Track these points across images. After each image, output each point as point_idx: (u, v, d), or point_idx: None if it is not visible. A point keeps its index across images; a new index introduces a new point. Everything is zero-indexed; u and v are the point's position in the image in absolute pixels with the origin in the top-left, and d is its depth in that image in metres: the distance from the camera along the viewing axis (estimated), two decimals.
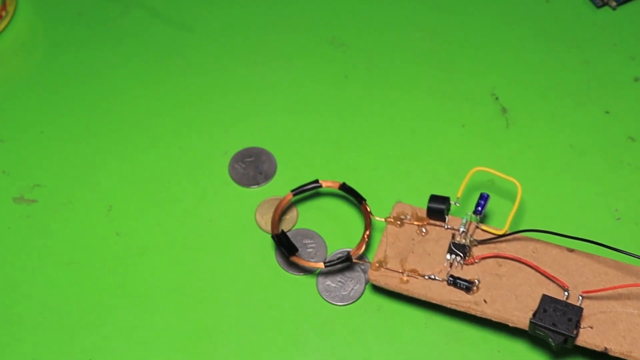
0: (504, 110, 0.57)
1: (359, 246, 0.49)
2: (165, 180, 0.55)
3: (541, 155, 0.55)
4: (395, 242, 0.49)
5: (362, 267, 0.51)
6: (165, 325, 0.49)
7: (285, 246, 0.49)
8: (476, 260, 0.48)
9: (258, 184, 0.54)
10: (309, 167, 0.55)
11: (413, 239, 0.49)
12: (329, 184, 0.52)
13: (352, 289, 0.50)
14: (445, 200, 0.49)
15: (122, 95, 0.58)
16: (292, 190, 0.51)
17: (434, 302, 0.47)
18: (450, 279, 0.47)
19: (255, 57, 0.60)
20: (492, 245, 0.48)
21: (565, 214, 0.52)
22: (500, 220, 0.51)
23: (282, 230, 0.50)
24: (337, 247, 0.52)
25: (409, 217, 0.49)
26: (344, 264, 0.49)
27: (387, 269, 0.48)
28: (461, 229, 0.48)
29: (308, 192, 0.52)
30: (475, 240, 0.48)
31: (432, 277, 0.47)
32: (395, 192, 0.54)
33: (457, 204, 0.49)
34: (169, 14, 0.61)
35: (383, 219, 0.50)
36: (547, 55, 0.59)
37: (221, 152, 0.55)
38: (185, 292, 0.50)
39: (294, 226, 0.52)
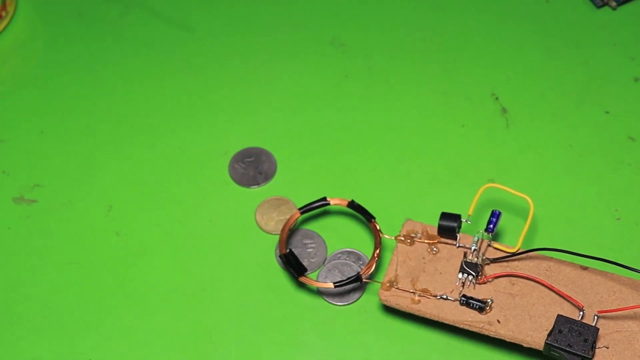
0: (504, 110, 0.57)
1: (368, 265, 0.49)
2: (165, 180, 0.55)
3: (541, 155, 0.55)
4: (406, 261, 0.48)
5: (363, 267, 0.51)
6: (165, 325, 0.49)
7: (293, 266, 0.49)
8: (489, 280, 0.47)
9: (258, 184, 0.54)
10: (309, 167, 0.55)
11: (424, 258, 0.48)
12: (337, 201, 0.51)
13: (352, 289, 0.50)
14: (456, 218, 0.48)
15: (122, 95, 0.58)
16: (299, 209, 0.51)
17: (446, 322, 0.47)
18: (463, 299, 0.46)
19: (255, 57, 0.59)
20: (505, 264, 0.48)
21: (565, 214, 0.52)
22: (512, 238, 0.51)
23: (290, 250, 0.49)
24: (337, 247, 0.52)
25: (419, 235, 0.49)
26: (354, 284, 0.49)
27: (398, 288, 0.47)
28: (473, 247, 0.47)
29: (316, 210, 0.51)
30: (487, 258, 0.47)
31: (445, 297, 0.47)
32: (393, 191, 0.54)
33: (469, 222, 0.48)
34: (169, 14, 0.61)
35: (393, 237, 0.49)
36: (547, 55, 0.59)
37: (221, 152, 0.55)
38: (185, 292, 0.50)
39: (294, 226, 0.52)
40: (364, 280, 0.48)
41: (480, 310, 0.46)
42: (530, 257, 0.48)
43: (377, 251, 0.49)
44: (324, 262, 0.51)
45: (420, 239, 0.49)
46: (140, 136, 0.56)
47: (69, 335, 0.49)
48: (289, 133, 0.56)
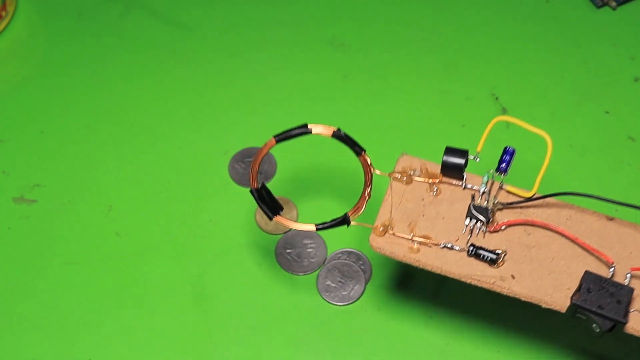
0: (504, 110, 0.57)
1: (357, 206, 0.41)
2: (165, 180, 0.55)
3: (541, 156, 0.55)
4: (402, 203, 0.41)
5: (363, 267, 0.51)
6: (165, 325, 0.49)
7: (266, 203, 0.41)
8: (501, 227, 0.40)
9: None
10: (309, 167, 0.55)
11: (423, 200, 0.41)
12: (320, 129, 0.43)
13: (352, 289, 0.50)
14: (463, 153, 0.40)
15: (122, 95, 0.58)
16: (275, 136, 0.42)
17: (450, 276, 0.40)
18: (471, 248, 0.40)
19: (256, 57, 0.60)
20: (519, 211, 0.41)
21: None
22: (525, 184, 0.44)
23: (263, 184, 0.42)
24: (337, 247, 0.52)
25: (417, 172, 0.42)
26: (340, 225, 0.41)
27: (393, 234, 0.40)
28: (482, 189, 0.40)
29: (294, 138, 0.43)
30: (500, 202, 0.40)
31: (449, 245, 0.40)
32: None
33: (477, 159, 0.41)
34: (169, 14, 0.61)
35: (387, 174, 0.42)
36: (547, 55, 0.59)
37: (221, 152, 0.55)
38: (185, 292, 0.50)
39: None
40: (351, 222, 0.41)
41: (492, 262, 0.40)
42: (548, 204, 0.41)
43: (368, 190, 0.41)
44: (324, 262, 0.51)
45: (419, 177, 0.42)
46: (140, 136, 0.56)
47: (69, 335, 0.49)
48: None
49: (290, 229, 0.52)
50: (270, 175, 0.54)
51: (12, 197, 0.54)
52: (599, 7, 0.61)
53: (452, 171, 0.41)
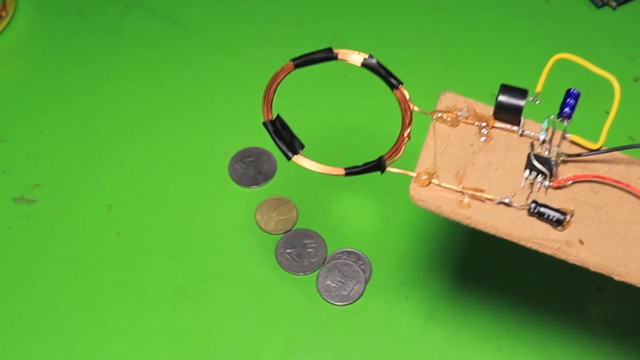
0: None
1: (395, 149, 0.35)
2: (165, 180, 0.55)
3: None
4: (447, 149, 0.36)
5: (363, 267, 0.51)
6: (165, 325, 0.49)
7: (284, 140, 0.35)
8: (567, 183, 0.35)
9: (258, 184, 0.54)
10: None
11: (472, 146, 0.36)
12: (348, 55, 0.37)
13: (352, 289, 0.50)
14: (524, 93, 0.35)
15: (122, 95, 0.58)
16: (293, 60, 0.38)
17: (507, 238, 0.35)
18: (533, 205, 0.34)
19: (255, 57, 0.59)
20: (583, 165, 0.36)
21: None
22: (587, 134, 0.39)
23: (279, 116, 0.35)
24: (337, 247, 0.52)
25: (464, 113, 0.36)
26: (373, 171, 0.35)
27: (438, 185, 0.35)
28: (542, 137, 0.35)
29: (316, 63, 0.38)
30: (564, 153, 0.35)
31: (506, 201, 0.34)
32: (394, 189, 0.54)
33: (537, 101, 0.36)
34: (169, 14, 0.61)
35: (428, 113, 0.36)
36: (547, 55, 0.59)
37: (221, 152, 0.55)
38: (185, 292, 0.50)
39: (294, 226, 0.52)
40: (387, 168, 0.35)
41: (558, 224, 0.34)
42: (616, 160, 0.36)
43: (407, 130, 0.35)
44: (324, 262, 0.51)
45: (466, 118, 0.36)
46: (140, 136, 0.56)
47: (69, 335, 0.49)
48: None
49: (292, 229, 0.52)
50: (270, 175, 0.54)
51: (12, 197, 0.54)
52: (599, 7, 0.61)
53: (508, 114, 0.35)
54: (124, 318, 0.50)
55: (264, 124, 0.35)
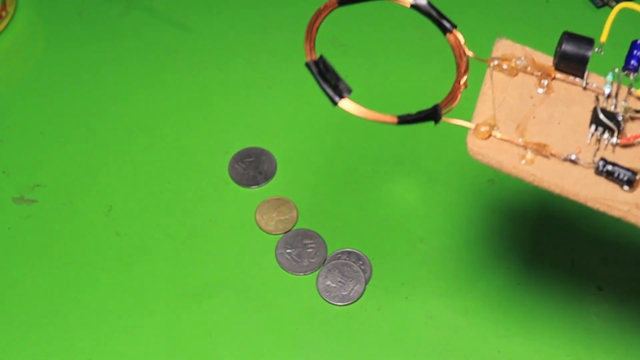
0: None
1: (450, 97, 0.33)
2: (165, 180, 0.55)
3: None
4: (506, 100, 0.33)
5: (363, 267, 0.51)
6: (165, 325, 0.49)
7: (328, 81, 0.32)
8: (637, 140, 0.33)
9: (258, 184, 0.54)
10: (309, 167, 0.55)
11: (532, 97, 0.33)
12: None
13: (352, 289, 0.50)
14: (590, 42, 0.33)
15: (122, 95, 0.58)
16: None
17: (572, 198, 0.32)
18: (602, 163, 0.32)
19: (255, 57, 0.59)
20: None
21: None
22: None
23: (322, 56, 0.33)
24: (337, 247, 0.52)
25: (522, 62, 0.34)
26: (428, 120, 0.33)
27: (500, 138, 0.32)
28: (607, 90, 0.33)
29: (361, 2, 0.36)
30: (632, 109, 0.33)
31: (572, 158, 0.32)
32: (395, 190, 0.54)
33: (601, 52, 0.34)
34: (169, 14, 0.61)
35: (485, 60, 0.35)
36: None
37: (221, 152, 0.55)
38: (185, 292, 0.50)
39: (294, 226, 0.52)
40: (443, 116, 0.33)
41: (628, 184, 0.32)
42: None
43: (464, 78, 0.33)
44: (324, 262, 0.51)
45: (525, 68, 0.34)
46: (140, 136, 0.56)
47: (69, 335, 0.49)
48: (289, 133, 0.56)
49: (292, 229, 0.52)
50: (270, 175, 0.54)
51: (12, 197, 0.54)
52: (599, 7, 0.61)
53: (572, 64, 0.33)
54: (124, 318, 0.50)
55: (307, 64, 0.32)
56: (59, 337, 0.49)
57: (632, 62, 0.34)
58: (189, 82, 0.58)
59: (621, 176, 0.32)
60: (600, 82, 0.34)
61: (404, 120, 0.32)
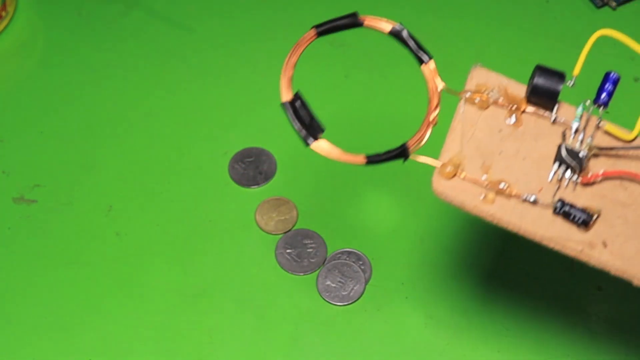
0: None
1: (419, 134, 0.33)
2: (165, 180, 0.55)
3: None
4: (475, 135, 0.33)
5: (363, 267, 0.51)
6: (165, 325, 0.49)
7: (304, 122, 0.32)
8: (597, 179, 0.33)
9: (258, 184, 0.54)
10: (309, 167, 0.55)
11: (501, 131, 0.33)
12: (375, 22, 0.34)
13: (352, 289, 0.50)
14: (561, 77, 0.33)
15: (122, 95, 0.58)
16: (316, 26, 0.35)
17: (529, 237, 0.33)
18: (559, 205, 0.32)
19: (255, 57, 0.59)
20: (615, 158, 0.33)
21: None
22: (624, 122, 0.37)
23: (298, 94, 0.33)
24: (337, 247, 0.52)
25: (495, 94, 0.34)
26: (396, 159, 0.34)
27: (464, 178, 0.33)
28: (575, 126, 0.33)
29: (340, 31, 0.36)
30: (596, 147, 0.33)
31: (532, 199, 0.33)
32: (396, 189, 0.54)
33: (572, 84, 0.34)
34: (169, 14, 0.61)
35: (458, 94, 0.35)
36: (547, 55, 0.59)
37: (221, 152, 0.55)
38: (185, 292, 0.50)
39: (294, 226, 0.52)
40: (411, 155, 0.33)
41: (584, 224, 0.32)
42: None
43: (435, 113, 0.33)
44: (324, 262, 0.51)
45: (497, 100, 0.34)
46: (140, 136, 0.56)
47: (69, 335, 0.49)
48: (289, 133, 0.56)
49: (292, 229, 0.52)
50: (270, 175, 0.54)
51: (12, 197, 0.54)
52: (599, 7, 0.61)
53: (543, 98, 0.33)
54: (124, 318, 0.50)
55: (283, 105, 0.32)
56: (59, 337, 0.49)
57: (603, 95, 0.34)
58: (188, 82, 0.58)
59: (577, 218, 0.32)
60: (571, 115, 0.34)
61: (372, 160, 0.33)
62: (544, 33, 0.60)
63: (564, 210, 0.33)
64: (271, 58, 0.59)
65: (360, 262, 0.51)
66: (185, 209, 0.53)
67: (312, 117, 0.33)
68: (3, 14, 0.60)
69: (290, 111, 0.32)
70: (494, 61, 0.59)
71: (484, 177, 0.33)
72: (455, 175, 0.33)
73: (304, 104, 0.33)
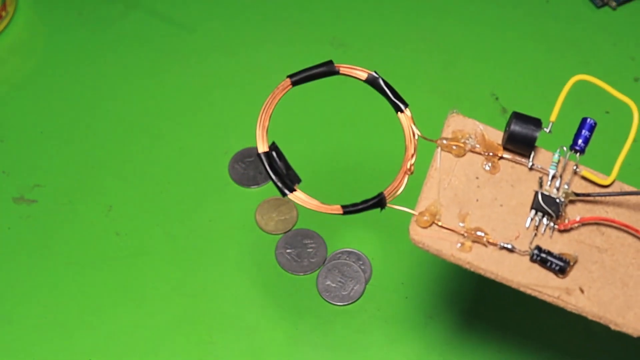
0: (504, 110, 0.57)
1: (396, 182, 0.34)
2: (165, 180, 0.55)
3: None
4: (451, 182, 0.34)
5: (363, 267, 0.51)
6: (165, 325, 0.49)
7: (279, 174, 0.32)
8: (574, 226, 0.33)
9: (258, 184, 0.54)
10: (309, 167, 0.55)
11: (478, 178, 0.34)
12: (350, 71, 0.33)
13: (352, 289, 0.50)
14: (537, 123, 0.33)
15: (122, 95, 0.58)
16: (290, 76, 0.35)
17: (506, 284, 0.34)
18: (536, 252, 0.33)
19: (255, 58, 0.59)
20: (592, 203, 0.34)
21: None
22: (599, 167, 0.37)
23: (274, 144, 0.33)
24: (337, 247, 0.52)
25: (472, 140, 0.34)
26: (373, 209, 0.34)
27: (440, 226, 0.33)
28: (552, 172, 0.33)
29: (316, 79, 0.35)
30: (573, 192, 0.34)
31: (509, 246, 0.33)
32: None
33: (548, 131, 0.34)
34: (169, 14, 0.61)
35: (435, 141, 0.34)
36: (547, 55, 0.59)
37: (221, 152, 0.55)
38: (185, 292, 0.50)
39: (294, 226, 0.52)
40: (388, 204, 0.33)
41: (561, 272, 0.33)
42: (627, 201, 0.35)
43: (411, 161, 0.33)
44: (324, 262, 0.51)
45: (474, 147, 0.34)
46: (140, 136, 0.56)
47: (69, 335, 0.49)
48: (289, 133, 0.56)
49: (292, 229, 0.52)
50: None
51: (12, 197, 0.54)
52: (599, 7, 0.61)
53: (520, 145, 0.33)
54: (124, 318, 0.50)
55: (258, 155, 0.32)
56: (59, 337, 0.49)
57: (580, 142, 0.34)
58: (188, 81, 0.58)
59: (554, 266, 0.33)
60: (548, 161, 0.34)
61: (349, 211, 0.33)
62: (544, 33, 0.60)
63: (540, 258, 0.33)
64: (271, 58, 0.59)
65: (360, 262, 0.51)
66: (185, 209, 0.53)
67: (288, 168, 0.33)
68: (3, 14, 0.60)
69: (266, 162, 0.33)
70: (494, 61, 0.59)
71: (461, 224, 0.33)
72: (432, 224, 0.33)
73: (280, 154, 0.33)
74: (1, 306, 0.50)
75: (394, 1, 0.62)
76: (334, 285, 0.50)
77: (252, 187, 0.54)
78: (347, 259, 0.51)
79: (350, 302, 0.50)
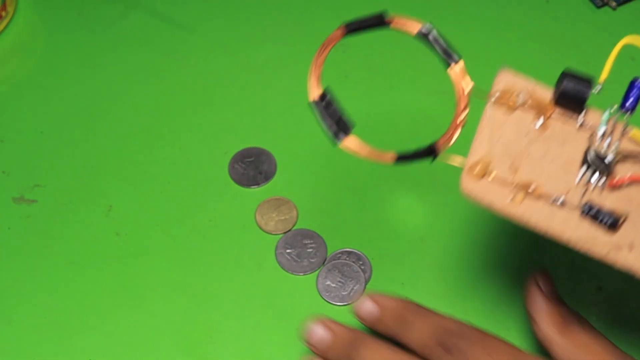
0: None
1: (448, 134, 0.34)
2: (165, 180, 0.55)
3: None
4: (502, 138, 0.34)
5: (363, 267, 0.51)
6: (165, 325, 0.49)
7: (333, 118, 0.32)
8: (624, 183, 0.33)
9: (258, 184, 0.54)
10: (309, 167, 0.55)
11: (527, 135, 0.34)
12: (403, 24, 0.34)
13: (352, 289, 0.50)
14: (589, 82, 0.33)
15: (122, 95, 0.58)
16: (345, 24, 0.35)
17: (556, 238, 0.33)
18: (587, 208, 0.33)
19: (255, 58, 0.59)
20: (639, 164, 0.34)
21: None
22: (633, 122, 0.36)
23: (327, 90, 0.32)
24: (337, 247, 0.52)
25: (522, 97, 0.35)
26: (425, 158, 0.34)
27: (492, 178, 0.33)
28: (601, 130, 0.34)
29: (367, 30, 0.36)
30: (622, 152, 0.34)
31: (560, 201, 0.33)
32: (396, 190, 0.54)
33: (598, 90, 0.34)
34: (169, 14, 0.61)
35: (485, 96, 0.35)
36: (547, 55, 0.59)
37: (221, 152, 0.55)
38: (185, 292, 0.50)
39: (294, 226, 0.52)
40: (439, 154, 0.33)
41: (612, 227, 0.33)
42: None
43: (464, 114, 0.34)
44: (324, 262, 0.51)
45: (524, 105, 0.34)
46: (140, 136, 0.56)
47: (69, 335, 0.49)
48: (289, 133, 0.56)
49: (292, 229, 0.52)
50: (270, 175, 0.54)
51: (12, 197, 0.54)
52: (599, 7, 0.61)
53: (570, 102, 0.33)
54: (124, 318, 0.50)
55: (313, 103, 0.31)
56: (59, 337, 0.49)
57: (629, 102, 0.34)
58: (189, 82, 0.58)
59: (605, 221, 0.33)
60: (597, 120, 0.34)
61: (401, 158, 0.33)
62: (544, 33, 0.60)
63: (591, 213, 0.33)
64: (271, 58, 0.59)
65: (360, 262, 0.51)
66: (185, 209, 0.53)
67: (341, 114, 0.32)
68: (3, 14, 0.60)
69: (321, 108, 0.32)
70: (494, 61, 0.59)
71: (514, 180, 0.33)
72: (484, 175, 0.33)
73: (333, 100, 0.32)
74: (1, 306, 0.50)
75: (393, 1, 0.62)
76: (334, 285, 0.50)
77: (252, 187, 0.54)
78: (347, 259, 0.51)
79: (350, 302, 0.50)
